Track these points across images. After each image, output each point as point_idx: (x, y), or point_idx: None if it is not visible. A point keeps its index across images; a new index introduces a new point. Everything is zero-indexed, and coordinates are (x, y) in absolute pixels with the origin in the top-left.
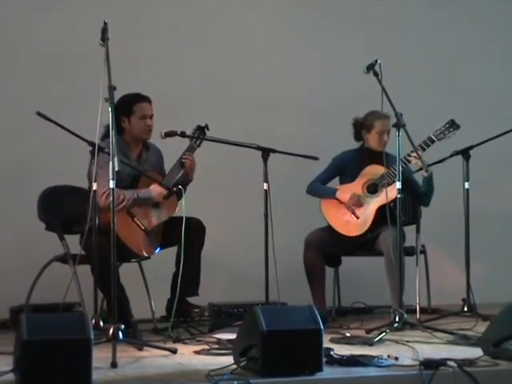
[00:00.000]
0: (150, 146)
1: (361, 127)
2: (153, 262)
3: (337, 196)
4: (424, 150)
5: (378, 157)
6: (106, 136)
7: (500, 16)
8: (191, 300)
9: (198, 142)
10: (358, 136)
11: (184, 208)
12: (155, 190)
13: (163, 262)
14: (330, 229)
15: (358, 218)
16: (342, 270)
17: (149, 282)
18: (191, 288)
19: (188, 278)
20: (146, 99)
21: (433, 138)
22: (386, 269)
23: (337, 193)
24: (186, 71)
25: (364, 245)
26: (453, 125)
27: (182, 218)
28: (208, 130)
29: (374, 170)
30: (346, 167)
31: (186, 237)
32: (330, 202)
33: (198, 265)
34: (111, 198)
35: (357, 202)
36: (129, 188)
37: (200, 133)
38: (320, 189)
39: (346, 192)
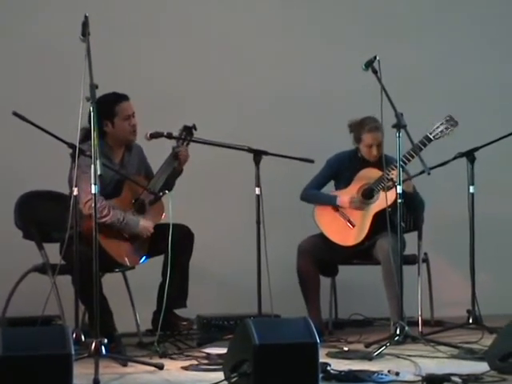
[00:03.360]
0: (132, 147)
1: (353, 135)
2: (138, 272)
3: (338, 203)
4: (421, 149)
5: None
6: (86, 139)
7: (506, 10)
8: (179, 312)
9: (185, 144)
10: None
11: (171, 214)
12: (144, 224)
13: (149, 271)
14: (324, 236)
15: (353, 226)
16: (339, 280)
17: (133, 294)
18: (179, 299)
19: (175, 288)
20: (126, 98)
21: (429, 136)
22: (383, 278)
23: (337, 199)
24: (174, 69)
25: (361, 253)
26: (450, 121)
27: (169, 225)
28: (196, 130)
29: (369, 174)
30: (340, 170)
31: (174, 245)
32: (324, 210)
33: (185, 275)
34: (97, 206)
35: (358, 207)
36: (112, 194)
37: (187, 133)
38: (317, 195)
39: (345, 197)
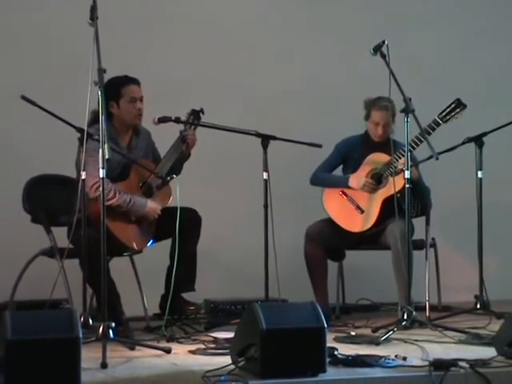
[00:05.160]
0: (140, 131)
1: (365, 112)
2: (145, 255)
3: (350, 184)
4: (429, 133)
5: (382, 144)
6: (93, 122)
7: None
8: (186, 297)
9: (192, 127)
10: None
11: (178, 199)
12: (151, 205)
13: (156, 255)
14: (332, 221)
15: (362, 211)
16: (346, 264)
17: (141, 278)
18: (187, 283)
19: (183, 272)
20: (135, 81)
21: (438, 120)
22: (393, 263)
23: (349, 180)
24: (182, 55)
25: (369, 238)
26: (459, 104)
27: (177, 208)
28: (203, 114)
29: (378, 158)
30: (349, 154)
31: (181, 228)
32: (332, 195)
33: (193, 258)
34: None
35: (369, 190)
36: (119, 178)
37: (195, 117)
38: (328, 177)
39: (356, 179)
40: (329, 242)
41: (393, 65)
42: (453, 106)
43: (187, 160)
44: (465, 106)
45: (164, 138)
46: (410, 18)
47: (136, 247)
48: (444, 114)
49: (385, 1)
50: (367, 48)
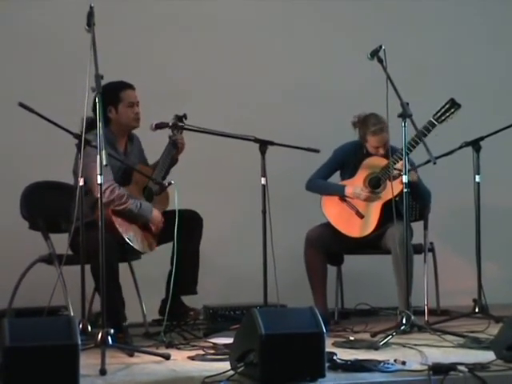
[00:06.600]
0: (133, 137)
1: (358, 131)
2: (144, 261)
3: (346, 193)
4: (425, 135)
5: None
6: (91, 128)
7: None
8: (186, 302)
9: (179, 132)
10: None
11: (176, 203)
12: (156, 213)
13: (155, 261)
14: (331, 225)
15: (362, 217)
16: (345, 269)
17: (140, 283)
18: (189, 285)
19: (185, 273)
20: (131, 86)
21: (433, 121)
22: (393, 267)
23: (345, 189)
24: (178, 59)
25: (369, 242)
26: (453, 104)
27: (175, 211)
28: (186, 119)
29: (375, 162)
30: (347, 160)
31: (183, 229)
32: (332, 201)
33: (196, 259)
34: (116, 193)
35: (366, 199)
36: (121, 182)
37: (178, 122)
38: (324, 185)
39: (353, 188)
40: (329, 246)
41: (391, 68)
42: (447, 106)
43: (175, 165)
44: (459, 106)
45: (151, 144)
46: (408, 21)
47: (148, 250)
48: (439, 114)
49: (384, 4)
50: (366, 52)
